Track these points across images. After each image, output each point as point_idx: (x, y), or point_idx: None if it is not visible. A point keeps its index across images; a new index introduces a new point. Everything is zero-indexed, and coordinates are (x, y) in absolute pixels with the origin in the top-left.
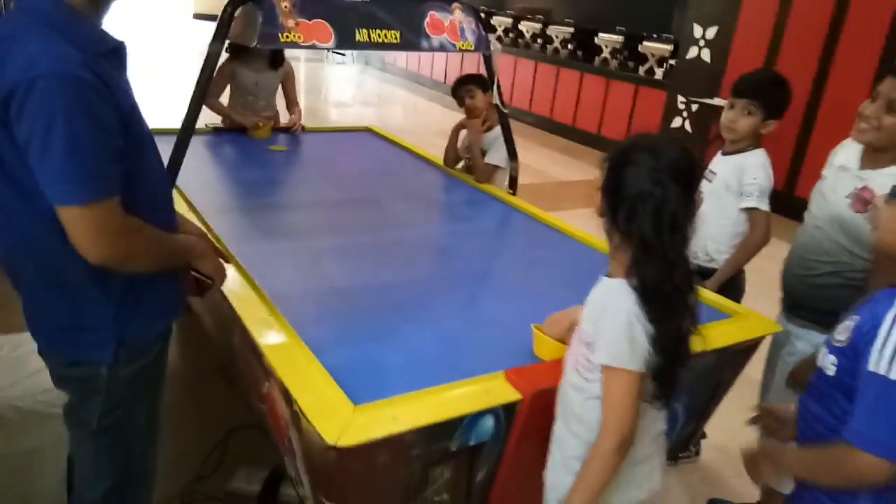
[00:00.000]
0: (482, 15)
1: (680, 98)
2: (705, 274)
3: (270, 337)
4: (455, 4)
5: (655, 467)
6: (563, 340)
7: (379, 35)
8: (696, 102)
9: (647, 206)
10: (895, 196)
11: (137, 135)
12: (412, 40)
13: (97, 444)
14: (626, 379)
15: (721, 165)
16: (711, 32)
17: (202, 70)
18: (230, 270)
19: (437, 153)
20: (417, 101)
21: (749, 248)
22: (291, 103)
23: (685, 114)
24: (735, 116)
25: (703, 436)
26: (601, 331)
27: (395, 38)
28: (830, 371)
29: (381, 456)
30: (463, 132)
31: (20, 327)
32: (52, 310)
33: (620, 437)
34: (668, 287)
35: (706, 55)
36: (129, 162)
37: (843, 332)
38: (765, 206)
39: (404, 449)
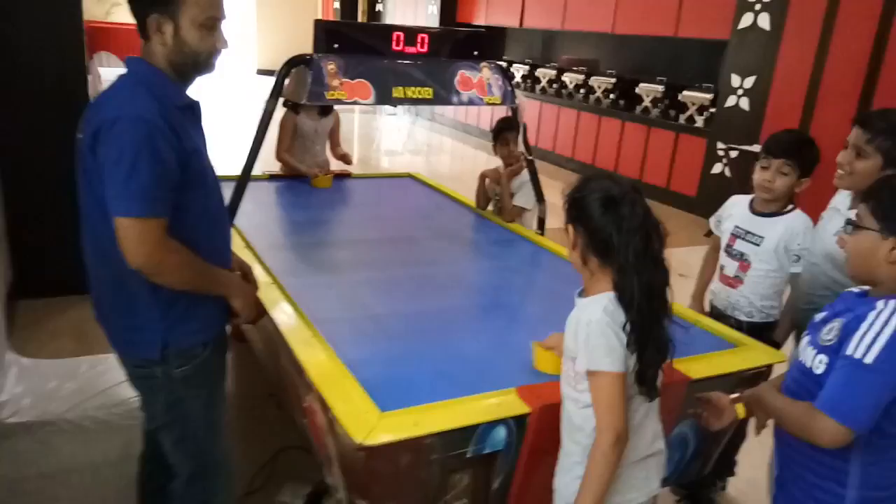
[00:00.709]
0: (528, 68)
1: (720, 145)
2: (760, 328)
3: (311, 354)
4: (483, 63)
5: (652, 472)
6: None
7: (414, 92)
8: (735, 149)
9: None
10: (854, 226)
11: (197, 173)
12: (444, 96)
13: (168, 439)
14: (609, 380)
15: (768, 229)
16: (749, 82)
17: (260, 123)
18: (280, 299)
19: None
20: (465, 149)
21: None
22: (335, 145)
23: (725, 160)
24: (771, 177)
25: (732, 473)
26: (580, 342)
27: (429, 94)
28: (819, 369)
29: (404, 457)
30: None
31: (97, 351)
32: (115, 310)
33: (615, 433)
34: (644, 294)
35: (745, 103)
36: (187, 194)
37: (829, 332)
38: None
39: (424, 452)
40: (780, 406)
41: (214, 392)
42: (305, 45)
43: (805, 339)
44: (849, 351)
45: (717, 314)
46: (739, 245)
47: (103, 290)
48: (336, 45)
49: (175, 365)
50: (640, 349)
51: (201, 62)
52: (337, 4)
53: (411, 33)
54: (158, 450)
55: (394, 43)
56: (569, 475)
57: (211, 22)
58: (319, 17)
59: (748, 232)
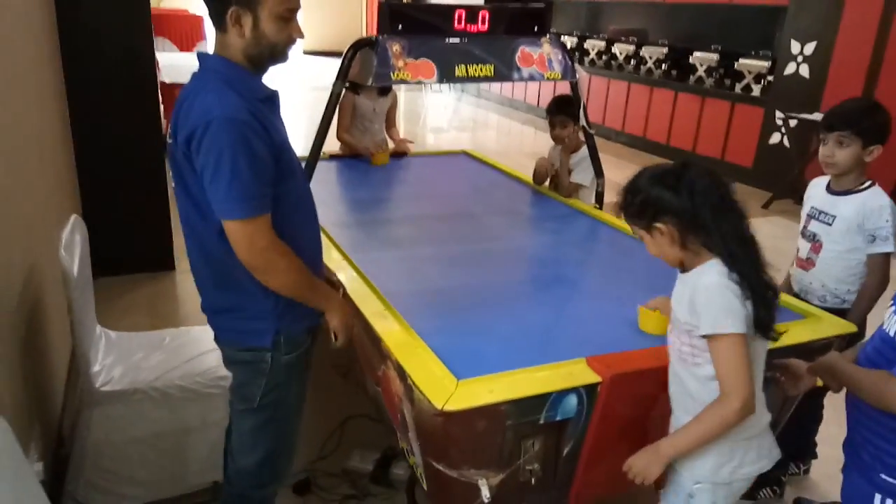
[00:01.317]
0: (576, 40)
1: (778, 114)
2: (833, 314)
3: (386, 325)
4: (544, 39)
5: (773, 439)
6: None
7: (476, 70)
8: (794, 118)
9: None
10: None
11: (287, 163)
12: (505, 73)
13: (256, 420)
14: (732, 342)
15: (841, 207)
16: (810, 48)
17: (327, 105)
18: (352, 273)
19: (528, 173)
20: (511, 125)
21: (873, 293)
22: (391, 125)
23: (783, 130)
24: (830, 151)
25: (815, 455)
26: (699, 308)
27: (490, 72)
28: (893, 331)
29: (480, 423)
30: (552, 150)
31: (168, 325)
32: (224, 305)
33: (741, 399)
34: (739, 243)
35: (805, 71)
36: (280, 185)
37: None
38: (892, 247)
39: (499, 418)
40: (854, 373)
41: (307, 379)
42: (351, 26)
43: (890, 309)
44: None
45: (794, 297)
46: (813, 226)
47: (210, 286)
48: (400, 26)
49: (284, 351)
50: (755, 295)
51: (278, 53)
52: None
53: (473, 11)
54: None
55: (456, 21)
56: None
57: (288, 13)
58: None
59: (822, 212)
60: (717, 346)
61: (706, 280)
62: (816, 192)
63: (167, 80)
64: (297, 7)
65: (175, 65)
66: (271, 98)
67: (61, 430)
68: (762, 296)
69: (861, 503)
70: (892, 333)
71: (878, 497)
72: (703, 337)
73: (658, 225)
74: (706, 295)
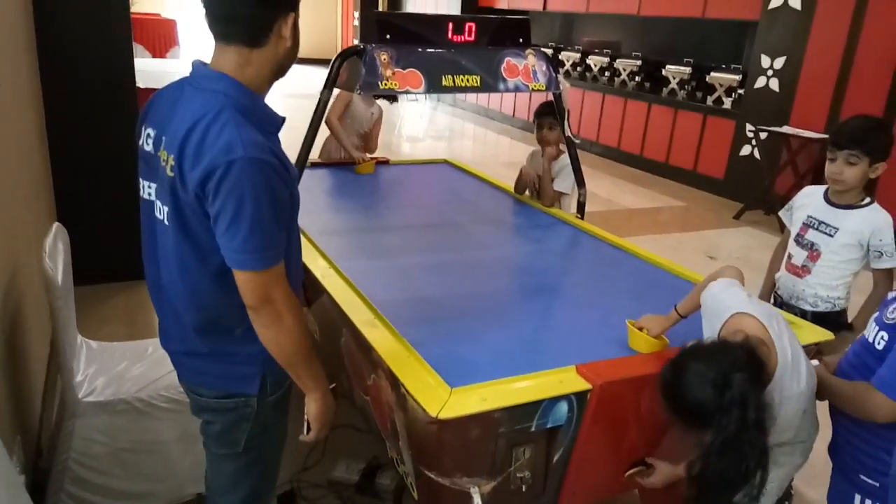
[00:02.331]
0: (551, 51)
1: (749, 126)
2: (823, 317)
3: (377, 334)
4: (529, 50)
5: None
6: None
7: (462, 80)
8: (764, 131)
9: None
10: None
11: (296, 199)
12: (491, 83)
13: (239, 462)
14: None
15: (844, 221)
16: (780, 62)
17: (314, 113)
18: (339, 281)
19: (507, 182)
20: (487, 134)
21: (878, 303)
22: (371, 138)
23: (754, 142)
24: (839, 168)
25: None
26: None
27: (477, 83)
28: (880, 345)
29: (473, 431)
30: (532, 156)
31: (148, 335)
32: (210, 352)
33: None
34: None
35: (774, 84)
36: (291, 221)
37: (894, 311)
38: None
39: (492, 426)
40: (836, 386)
41: (289, 416)
42: (326, 35)
43: (873, 316)
44: None
45: (780, 303)
46: (811, 235)
47: (194, 333)
48: (388, 36)
49: (269, 393)
50: None
51: (289, 67)
52: None
53: (460, 22)
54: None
55: (443, 32)
56: None
57: None
58: (339, 8)
59: (822, 222)
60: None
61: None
62: (813, 201)
63: (141, 86)
64: None
65: (148, 70)
66: (280, 125)
67: (39, 442)
68: None
69: (843, 503)
70: (871, 339)
71: (857, 497)
72: None
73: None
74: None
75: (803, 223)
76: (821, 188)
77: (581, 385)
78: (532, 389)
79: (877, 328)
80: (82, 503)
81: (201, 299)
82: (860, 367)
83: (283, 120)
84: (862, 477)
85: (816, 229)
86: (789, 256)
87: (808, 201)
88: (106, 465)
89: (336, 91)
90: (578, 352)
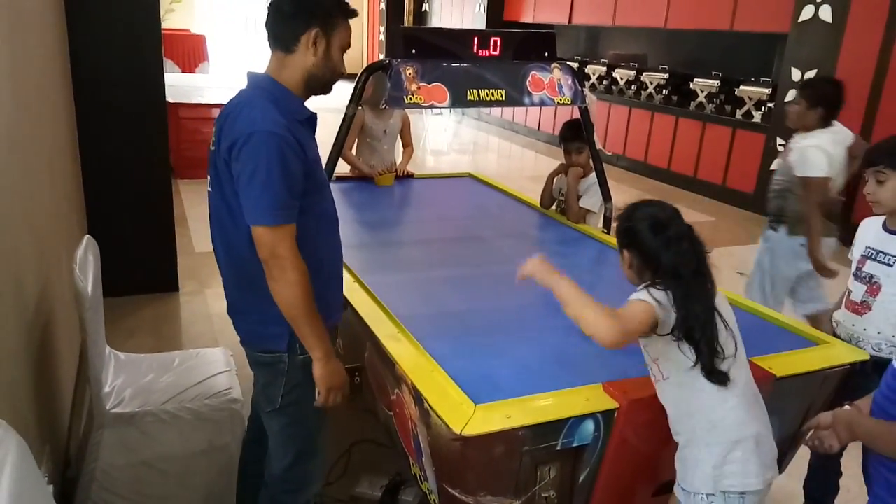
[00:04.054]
0: (577, 64)
1: (779, 140)
2: (885, 365)
3: (401, 349)
4: (554, 64)
5: (762, 462)
6: None
7: (487, 94)
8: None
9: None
10: None
11: (316, 180)
12: (516, 97)
13: (281, 421)
14: (637, 303)
15: None
16: (810, 75)
17: (340, 127)
18: (363, 295)
19: (531, 195)
20: (511, 148)
21: None
22: (406, 145)
23: None
24: (871, 188)
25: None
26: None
27: (501, 96)
28: None
29: (497, 448)
30: (558, 177)
31: (174, 347)
32: (245, 306)
33: (616, 328)
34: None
35: None
36: (308, 199)
37: None
38: None
39: (517, 444)
40: (872, 428)
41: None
42: (356, 51)
43: None
44: None
45: None
46: (870, 267)
47: (235, 288)
48: (413, 51)
49: (299, 352)
50: (696, 346)
51: (333, 80)
52: (383, 5)
53: (485, 36)
54: (266, 437)
55: (468, 46)
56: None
57: (347, 48)
58: (365, 22)
59: (880, 251)
60: (625, 305)
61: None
62: (870, 230)
63: (171, 100)
64: (349, 45)
65: (178, 85)
66: (309, 119)
67: (68, 452)
68: (705, 349)
69: None
70: None
71: None
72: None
73: (625, 252)
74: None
75: (861, 255)
76: (880, 218)
77: (608, 403)
78: (558, 407)
79: None
80: None
81: (235, 255)
82: (893, 403)
83: (312, 114)
84: None
85: (874, 260)
86: (848, 293)
87: (868, 231)
88: (132, 475)
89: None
90: (605, 369)
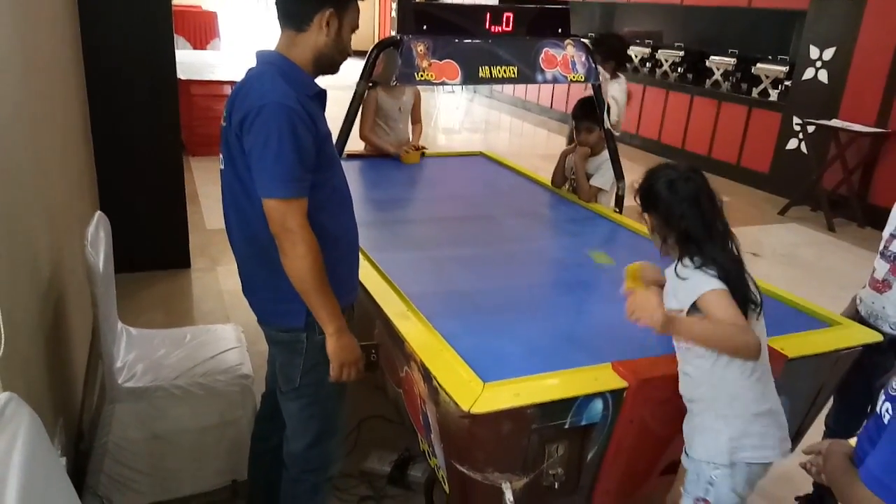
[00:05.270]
0: (590, 41)
1: (796, 119)
2: None
3: (410, 327)
4: (568, 41)
5: (780, 434)
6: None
7: (499, 71)
8: (812, 124)
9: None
10: None
11: (328, 155)
12: (528, 74)
13: (300, 402)
14: (717, 294)
15: None
16: (829, 53)
17: (350, 104)
18: (373, 273)
19: (543, 174)
20: (524, 126)
21: None
22: (416, 122)
23: (801, 135)
24: None
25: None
26: (681, 294)
27: (514, 73)
28: (885, 418)
29: (506, 426)
30: (570, 155)
31: (185, 323)
32: (261, 283)
33: (749, 333)
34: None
35: (823, 76)
36: (320, 174)
37: None
38: None
39: (525, 422)
40: (833, 470)
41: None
42: (367, 27)
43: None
44: None
45: (860, 322)
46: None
47: (250, 266)
48: (425, 27)
49: (318, 331)
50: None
51: (341, 61)
52: None
53: (497, 12)
54: (279, 413)
55: (481, 22)
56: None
57: (356, 29)
58: None
59: None
60: (706, 305)
61: (679, 267)
62: None
63: (182, 77)
64: (359, 26)
65: (189, 62)
66: (319, 95)
67: (81, 425)
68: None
69: None
70: (878, 410)
71: None
72: (692, 309)
73: (646, 215)
74: (682, 275)
75: (890, 234)
76: None
77: (617, 383)
78: (566, 386)
79: (883, 397)
80: (121, 485)
81: (250, 231)
82: (873, 441)
83: (322, 90)
84: None
85: None
86: (873, 271)
87: None
88: (144, 449)
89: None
90: (614, 348)
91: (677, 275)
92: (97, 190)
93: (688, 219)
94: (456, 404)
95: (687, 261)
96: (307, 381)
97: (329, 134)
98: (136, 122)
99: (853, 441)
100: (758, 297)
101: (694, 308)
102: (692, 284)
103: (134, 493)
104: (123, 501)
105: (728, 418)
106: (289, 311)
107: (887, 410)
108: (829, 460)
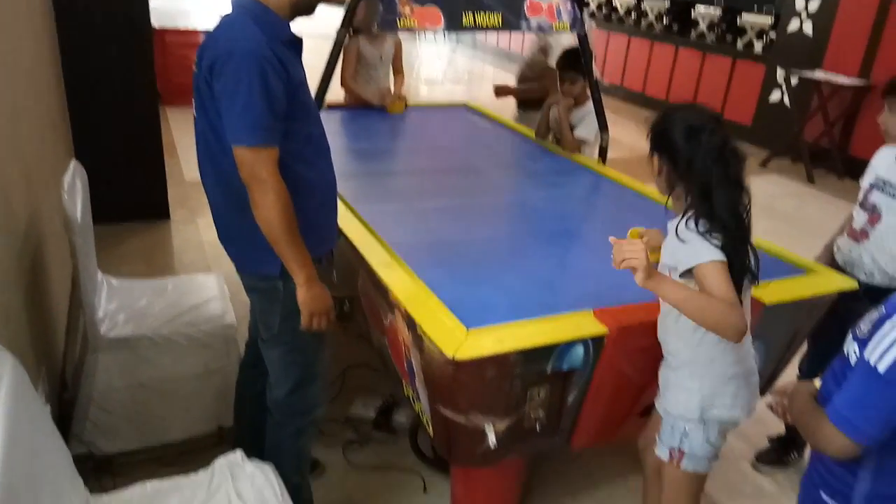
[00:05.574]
0: None
1: (779, 72)
2: (879, 292)
3: (394, 276)
4: None
5: (750, 394)
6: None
7: (483, 18)
8: (796, 76)
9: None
10: None
11: (302, 104)
12: (513, 22)
13: (279, 349)
14: (714, 266)
15: None
16: (814, 5)
17: (331, 53)
18: (356, 224)
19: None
20: (507, 78)
21: None
22: (397, 72)
23: (784, 88)
24: (885, 118)
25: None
26: (680, 253)
27: (498, 21)
28: (852, 359)
29: (489, 371)
30: (554, 107)
31: (166, 273)
32: (237, 231)
33: (739, 313)
34: (730, 214)
35: (808, 28)
36: (294, 123)
37: (867, 322)
38: None
39: (508, 367)
40: (800, 410)
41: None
42: None
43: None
44: (867, 353)
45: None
46: (875, 196)
47: (225, 213)
48: None
49: (293, 279)
50: (729, 260)
51: (317, 2)
52: None
53: None
54: (262, 361)
55: None
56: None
57: None
58: None
59: (887, 182)
60: (701, 275)
61: (681, 227)
62: (882, 161)
63: (156, 26)
64: None
65: (163, 9)
66: (294, 42)
67: (64, 375)
68: (737, 272)
69: None
70: (846, 351)
71: None
72: (686, 273)
73: (655, 157)
74: (684, 237)
75: (870, 184)
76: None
77: (598, 329)
78: (548, 332)
79: (851, 337)
80: (107, 433)
81: (223, 177)
82: (839, 382)
83: (295, 36)
84: (822, 495)
85: (881, 190)
86: (851, 220)
87: (878, 162)
88: (128, 397)
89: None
90: (596, 296)
91: (678, 235)
92: (72, 142)
93: (708, 176)
94: (440, 351)
95: (692, 223)
96: (285, 328)
97: (303, 81)
98: (110, 71)
99: (818, 382)
100: (756, 267)
101: (688, 273)
102: (692, 250)
103: (120, 439)
104: (109, 447)
105: (703, 378)
106: (264, 258)
107: (854, 351)
108: (794, 400)
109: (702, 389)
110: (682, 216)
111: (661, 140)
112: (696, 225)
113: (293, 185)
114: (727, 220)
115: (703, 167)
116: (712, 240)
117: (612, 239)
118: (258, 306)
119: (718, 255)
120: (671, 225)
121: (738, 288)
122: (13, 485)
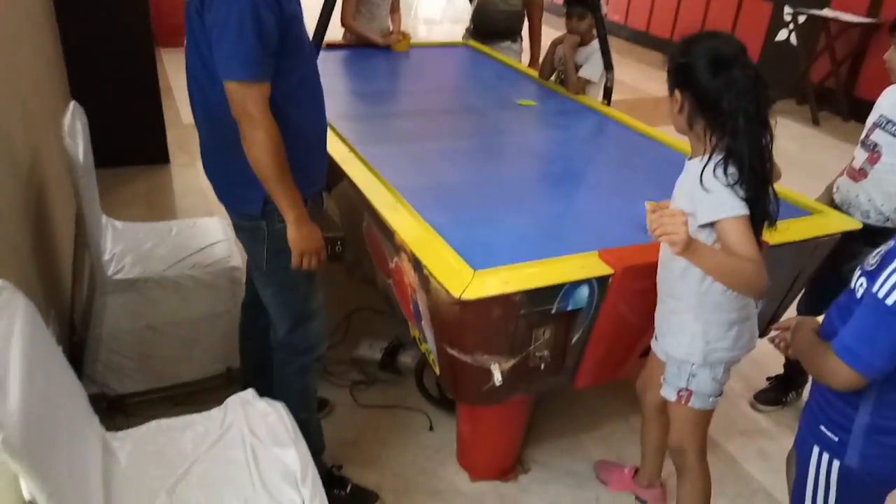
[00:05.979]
0: None
1: (787, 9)
2: (874, 232)
3: (399, 218)
4: None
5: (750, 334)
6: None
7: None
8: (803, 14)
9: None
10: None
11: (296, 39)
12: None
13: (271, 288)
14: (736, 221)
15: None
16: None
17: None
18: (360, 166)
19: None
20: None
21: None
22: (394, 10)
23: (791, 26)
24: (891, 55)
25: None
26: (697, 199)
27: None
28: (858, 293)
29: (495, 311)
30: (559, 46)
31: (168, 217)
32: (223, 168)
33: (761, 266)
34: (756, 156)
35: None
36: (287, 60)
37: (876, 256)
38: None
39: (513, 307)
40: (803, 343)
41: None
42: None
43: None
44: (874, 287)
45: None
46: (877, 135)
47: (212, 149)
48: None
49: (277, 220)
50: (752, 208)
51: None
52: None
53: None
54: (261, 299)
55: None
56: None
57: None
58: None
59: (890, 121)
60: (724, 230)
61: (706, 175)
62: (888, 99)
63: None
64: None
65: None
66: None
67: (72, 318)
68: (757, 216)
69: (803, 449)
70: (853, 285)
71: (815, 448)
72: (705, 226)
73: (676, 93)
74: (709, 185)
75: (873, 123)
76: None
77: (603, 270)
78: (553, 273)
79: (859, 272)
80: (118, 373)
81: (211, 110)
82: (844, 316)
83: None
84: (822, 428)
85: (883, 129)
86: (852, 159)
87: (884, 100)
88: (137, 339)
89: None
90: (601, 237)
91: (702, 183)
92: (68, 84)
93: (736, 115)
94: (447, 292)
95: (720, 172)
96: (273, 267)
97: (297, 16)
98: (105, 12)
99: (820, 318)
100: (775, 211)
101: (709, 225)
102: (716, 201)
103: (130, 380)
104: (121, 388)
105: (709, 323)
106: (245, 196)
107: (861, 285)
108: (797, 334)
109: (706, 333)
110: (707, 159)
111: (683, 74)
112: (725, 173)
113: (283, 128)
114: (756, 163)
115: (733, 105)
116: (739, 192)
117: (648, 206)
118: (246, 246)
119: (742, 210)
120: (690, 165)
121: (758, 236)
122: (32, 423)
